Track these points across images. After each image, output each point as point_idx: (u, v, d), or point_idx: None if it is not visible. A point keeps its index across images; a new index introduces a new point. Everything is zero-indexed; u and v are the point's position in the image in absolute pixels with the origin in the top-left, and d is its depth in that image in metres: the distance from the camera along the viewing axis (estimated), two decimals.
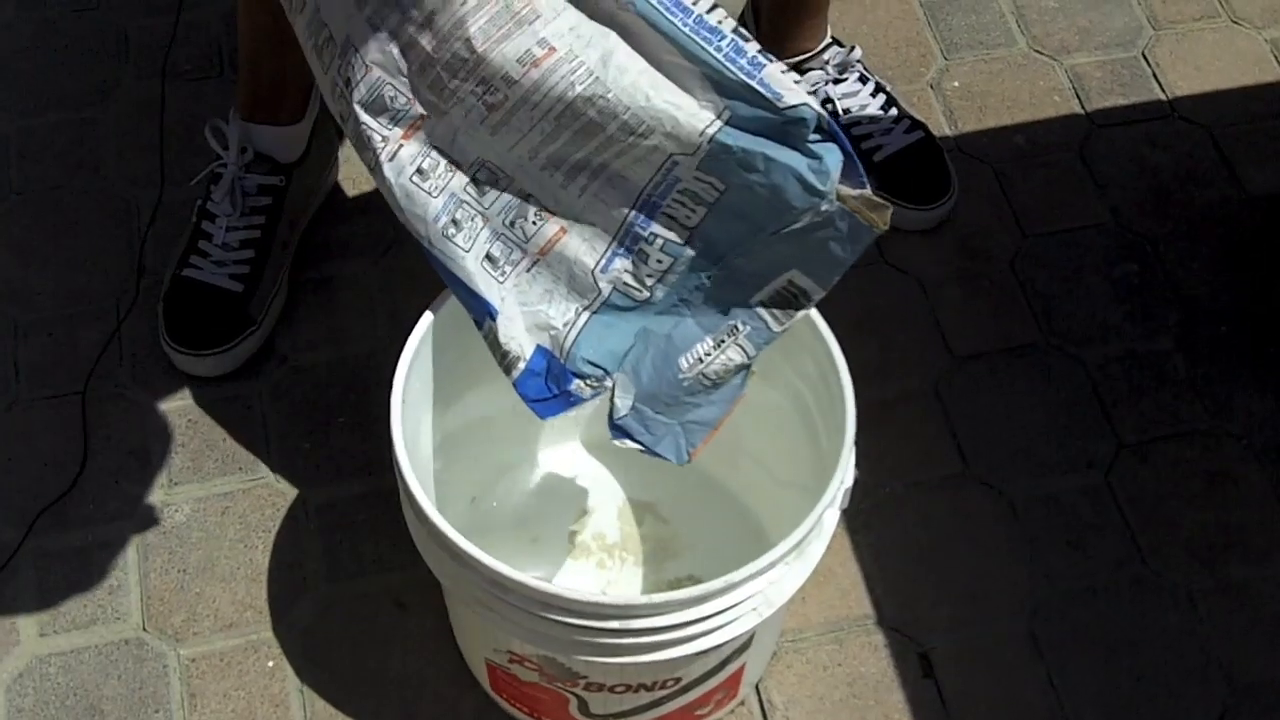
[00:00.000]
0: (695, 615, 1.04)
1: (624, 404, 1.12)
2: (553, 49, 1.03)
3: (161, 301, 1.51)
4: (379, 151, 1.08)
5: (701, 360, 1.12)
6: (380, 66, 1.06)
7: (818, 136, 1.04)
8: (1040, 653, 1.36)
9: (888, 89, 1.66)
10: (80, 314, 1.54)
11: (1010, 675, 1.35)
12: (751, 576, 1.04)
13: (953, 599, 1.39)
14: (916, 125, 1.65)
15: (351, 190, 1.64)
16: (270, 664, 1.34)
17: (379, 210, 1.61)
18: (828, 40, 1.64)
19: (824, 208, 1.05)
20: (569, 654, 1.09)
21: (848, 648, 1.36)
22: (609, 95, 1.04)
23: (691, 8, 1.04)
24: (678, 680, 1.16)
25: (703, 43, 1.03)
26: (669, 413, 1.13)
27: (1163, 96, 1.74)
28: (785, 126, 1.04)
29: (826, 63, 1.63)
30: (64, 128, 1.68)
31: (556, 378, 1.11)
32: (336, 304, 1.55)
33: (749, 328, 1.11)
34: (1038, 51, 1.79)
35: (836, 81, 1.63)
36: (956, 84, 1.75)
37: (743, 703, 1.32)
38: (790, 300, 1.10)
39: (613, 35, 1.04)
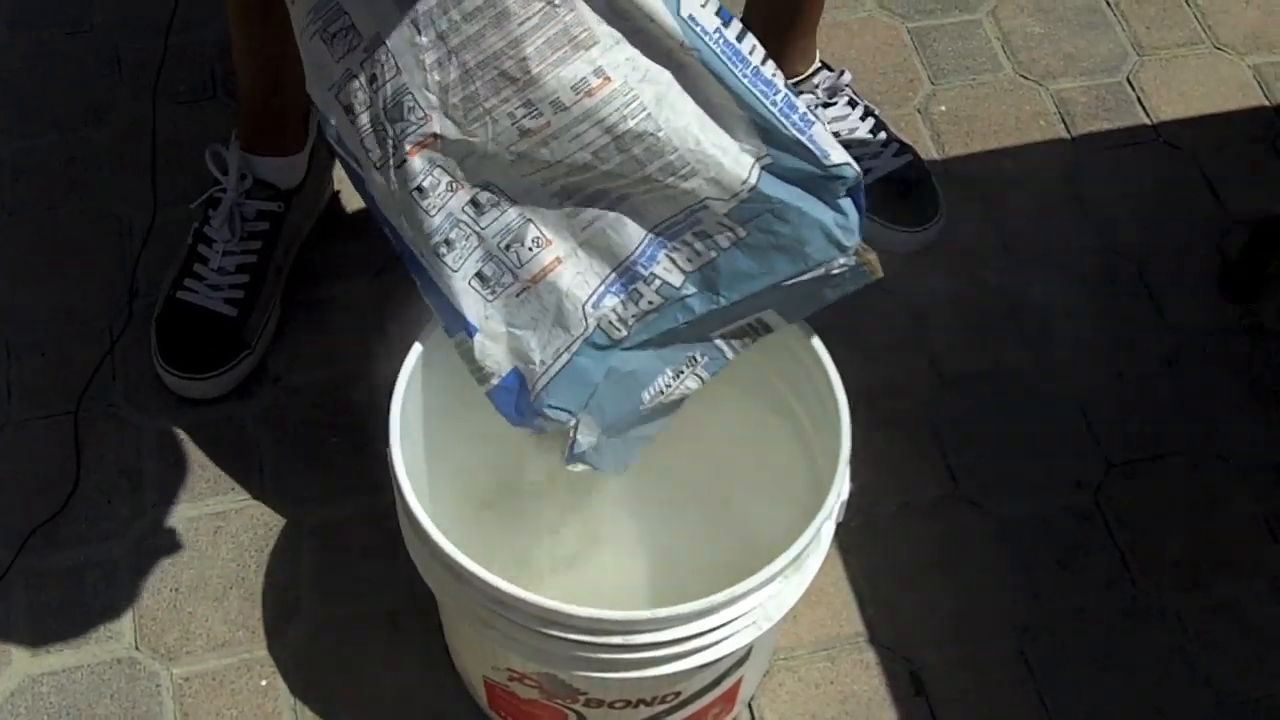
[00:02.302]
0: (697, 629, 1.05)
1: (586, 441, 1.13)
2: (608, 79, 1.01)
3: (154, 323, 1.51)
4: (389, 158, 1.05)
5: (663, 392, 1.13)
6: (409, 73, 1.03)
7: (843, 192, 1.06)
8: (1030, 671, 1.36)
9: (876, 113, 1.68)
10: (73, 334, 1.54)
11: (1001, 694, 1.35)
12: (752, 590, 1.04)
13: (943, 618, 1.39)
14: (905, 149, 1.66)
15: (344, 212, 1.65)
16: (263, 683, 1.34)
17: (372, 232, 1.61)
18: (817, 65, 1.65)
19: (841, 261, 1.07)
20: (570, 670, 1.10)
21: (840, 666, 1.36)
22: (660, 134, 1.03)
23: (749, 58, 1.04)
24: (677, 694, 1.16)
25: (759, 95, 1.04)
26: (621, 436, 1.15)
27: (1147, 121, 1.76)
28: (822, 181, 1.05)
29: (816, 86, 1.64)
30: (57, 148, 1.68)
31: (524, 407, 1.12)
32: (330, 324, 1.56)
33: (706, 358, 1.13)
34: (1023, 77, 1.80)
35: (826, 105, 1.64)
36: (943, 108, 1.77)
37: (737, 719, 1.33)
38: (751, 333, 1.12)
39: (667, 74, 1.03)
